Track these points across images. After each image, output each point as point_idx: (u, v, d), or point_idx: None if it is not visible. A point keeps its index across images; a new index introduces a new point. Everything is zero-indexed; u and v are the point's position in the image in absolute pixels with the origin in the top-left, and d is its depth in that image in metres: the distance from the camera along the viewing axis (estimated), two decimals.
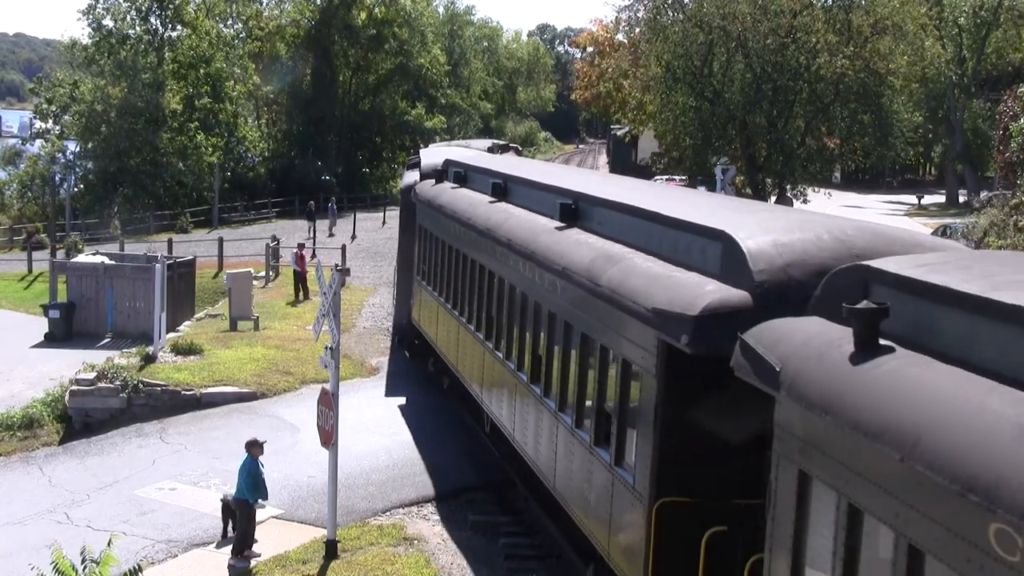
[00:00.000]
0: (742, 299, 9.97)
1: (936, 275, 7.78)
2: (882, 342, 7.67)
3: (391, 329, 30.37)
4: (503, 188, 19.54)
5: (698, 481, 10.46)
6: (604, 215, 14.44)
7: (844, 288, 8.53)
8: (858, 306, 7.77)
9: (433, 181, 25.34)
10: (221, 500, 16.91)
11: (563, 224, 15.32)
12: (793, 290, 9.75)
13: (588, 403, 13.00)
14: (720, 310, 9.93)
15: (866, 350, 7.62)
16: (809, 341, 8.23)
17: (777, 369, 8.19)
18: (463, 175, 23.12)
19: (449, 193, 22.74)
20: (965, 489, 5.94)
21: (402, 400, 24.12)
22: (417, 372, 26.32)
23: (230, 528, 16.58)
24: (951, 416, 6.41)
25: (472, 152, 30.35)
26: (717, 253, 10.83)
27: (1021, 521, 5.38)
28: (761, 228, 10.94)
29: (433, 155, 27.88)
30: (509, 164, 24.00)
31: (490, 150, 32.37)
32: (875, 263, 8.60)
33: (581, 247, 13.90)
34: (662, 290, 10.94)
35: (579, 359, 13.31)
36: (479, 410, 19.53)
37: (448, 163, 25.08)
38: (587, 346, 13.05)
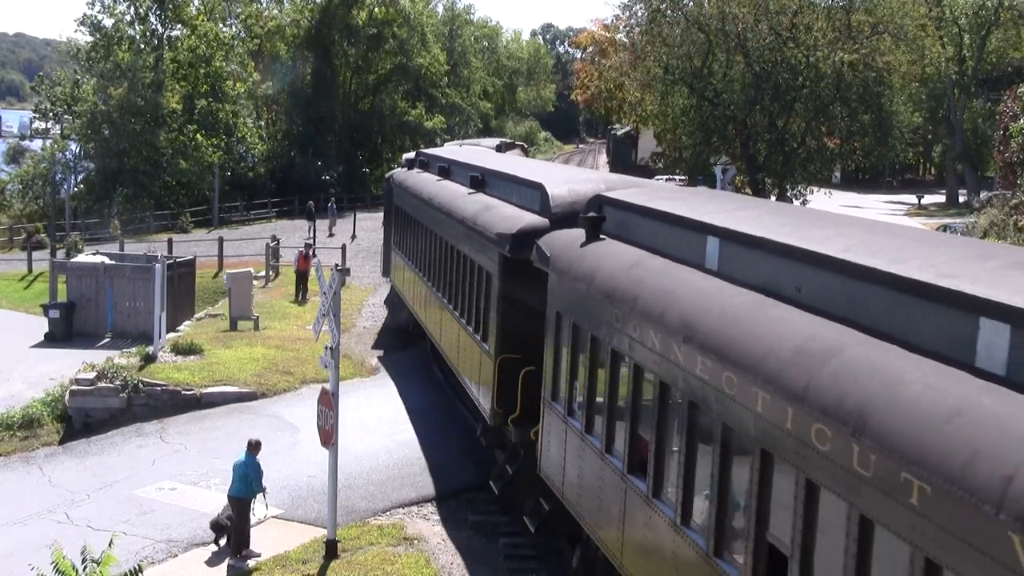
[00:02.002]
0: (543, 223, 16.31)
1: (630, 198, 13.82)
2: (601, 236, 13.89)
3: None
4: (447, 170, 25.35)
5: (521, 343, 16.48)
6: (493, 182, 20.68)
7: (592, 209, 14.54)
8: (587, 215, 14.27)
9: (406, 169, 31.09)
10: (211, 523, 16.64)
11: (472, 190, 21.28)
12: (575, 216, 15.28)
13: (471, 305, 19.16)
14: (528, 230, 16.32)
15: (590, 241, 13.93)
16: (567, 240, 14.60)
17: (548, 255, 14.56)
18: (427, 163, 28.76)
19: (415, 176, 28.24)
20: (604, 297, 12.14)
21: (381, 352, 28.82)
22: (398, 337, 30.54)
23: (222, 541, 16.48)
24: (607, 264, 12.67)
25: (452, 147, 37.49)
26: (537, 197, 17.28)
27: (619, 305, 11.58)
28: (564, 180, 17.62)
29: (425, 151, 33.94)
30: (462, 154, 29.19)
31: (498, 148, 37.31)
32: (604, 192, 14.92)
33: (476, 204, 19.96)
34: (504, 222, 17.34)
35: (468, 277, 19.44)
36: (426, 337, 25.46)
37: (419, 154, 31.12)
38: (472, 267, 19.10)
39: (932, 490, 6.19)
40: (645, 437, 11.14)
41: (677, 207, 12.37)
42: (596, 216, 14.13)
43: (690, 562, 9.65)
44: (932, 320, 7.19)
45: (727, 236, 10.50)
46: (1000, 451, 5.86)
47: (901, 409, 6.66)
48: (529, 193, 17.82)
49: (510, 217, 17.46)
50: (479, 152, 32.18)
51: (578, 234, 14.37)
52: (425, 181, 26.15)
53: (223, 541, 16.43)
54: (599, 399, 12.65)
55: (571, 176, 19.04)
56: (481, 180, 21.20)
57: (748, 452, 8.59)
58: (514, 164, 23.88)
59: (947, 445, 6.15)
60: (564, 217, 15.97)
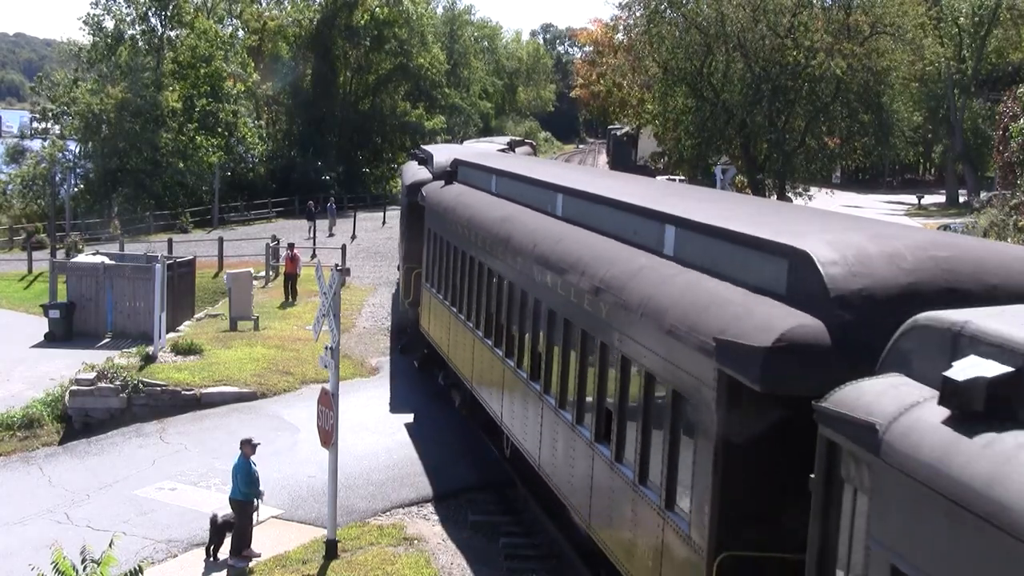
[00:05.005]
0: (428, 178, 26.07)
1: (468, 158, 24.93)
2: (453, 183, 23.68)
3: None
4: (419, 157, 33.55)
5: (418, 257, 25.16)
6: (429, 159, 28.60)
7: (451, 167, 24.31)
8: (447, 171, 24.55)
9: (405, 160, 46.52)
10: (211, 519, 16.42)
11: (421, 167, 29.73)
12: (450, 172, 24.16)
13: (399, 236, 31.78)
14: (419, 183, 26.16)
15: (446, 185, 23.95)
16: (435, 187, 24.42)
17: (425, 196, 24.56)
18: (414, 155, 38.06)
19: (409, 166, 37.32)
20: (444, 213, 22.36)
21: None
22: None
23: (223, 547, 16.31)
24: (448, 196, 22.91)
25: (469, 143, 51.63)
26: (432, 161, 27.23)
27: (450, 216, 21.72)
28: (451, 152, 27.97)
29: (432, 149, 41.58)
30: (441, 148, 36.28)
31: (509, 144, 44.81)
32: (459, 157, 25.48)
33: (414, 170, 29.98)
34: (409, 178, 28.29)
35: (398, 219, 34.61)
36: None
37: (418, 148, 41.50)
38: (399, 212, 32.50)
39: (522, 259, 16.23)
40: (458, 284, 20.50)
41: (483, 162, 23.14)
42: (450, 170, 24.19)
43: (468, 340, 19.69)
44: (539, 195, 17.75)
45: (499, 174, 20.84)
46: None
47: (517, 232, 16.79)
48: (429, 160, 27.84)
49: (414, 176, 27.78)
50: (467, 147, 42.78)
51: (443, 182, 24.15)
52: (413, 167, 34.96)
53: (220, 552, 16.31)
54: (444, 272, 21.92)
55: (457, 150, 30.58)
56: (425, 160, 29.91)
57: (482, 275, 18.69)
58: (445, 149, 32.25)
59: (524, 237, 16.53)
60: (441, 174, 25.01)
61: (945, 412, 6.46)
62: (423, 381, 25.71)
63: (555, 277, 14.31)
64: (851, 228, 10.63)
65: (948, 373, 6.47)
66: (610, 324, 12.20)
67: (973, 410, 6.23)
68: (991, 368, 6.26)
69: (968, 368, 6.38)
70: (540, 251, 15.25)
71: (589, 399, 13.07)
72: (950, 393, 6.40)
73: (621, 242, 13.40)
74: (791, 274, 9.43)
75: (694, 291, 10.57)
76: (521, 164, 23.76)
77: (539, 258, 15.17)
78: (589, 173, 25.68)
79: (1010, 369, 6.16)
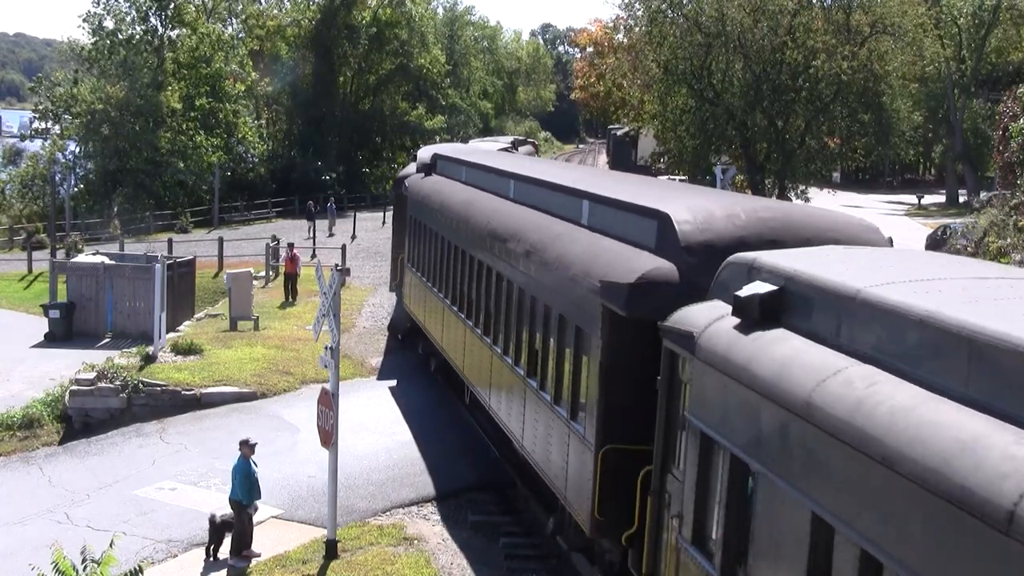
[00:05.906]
0: (413, 171, 28.93)
1: (446, 152, 27.77)
2: (433, 174, 26.69)
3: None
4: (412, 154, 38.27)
5: (403, 246, 27.71)
6: (417, 155, 30.56)
7: (431, 161, 27.35)
8: (427, 164, 27.60)
9: (406, 160, 50.07)
10: (211, 518, 16.37)
11: (412, 159, 32.75)
12: (429, 165, 27.23)
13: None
14: (404, 176, 30.20)
15: (426, 176, 26.91)
16: (417, 178, 27.46)
17: (407, 186, 27.80)
18: (414, 155, 39.74)
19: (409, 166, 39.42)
20: (424, 199, 25.35)
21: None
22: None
23: (223, 547, 16.26)
24: (428, 185, 25.81)
25: (473, 143, 52.75)
26: (416, 160, 29.67)
27: (428, 202, 25.00)
28: (434, 150, 29.40)
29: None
30: (436, 147, 38.26)
31: (512, 144, 47.33)
32: (438, 151, 28.23)
33: (409, 161, 35.22)
34: (401, 172, 33.71)
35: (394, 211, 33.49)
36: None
37: (419, 149, 43.36)
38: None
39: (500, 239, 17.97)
40: (431, 261, 23.26)
41: (456, 155, 25.92)
42: (430, 163, 27.04)
43: (439, 308, 22.44)
44: (497, 182, 20.65)
45: (468, 165, 23.76)
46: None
47: (476, 211, 19.95)
48: (417, 156, 30.20)
49: (403, 171, 31.52)
50: (469, 145, 45.64)
51: (423, 175, 26.83)
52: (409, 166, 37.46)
53: (221, 552, 16.28)
54: (421, 252, 24.57)
55: (438, 148, 31.43)
56: (414, 155, 32.81)
57: (450, 251, 21.30)
58: (439, 147, 33.69)
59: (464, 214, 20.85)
60: (422, 167, 27.67)
61: (736, 320, 9.25)
62: (407, 357, 28.23)
63: (501, 246, 17.36)
64: (707, 197, 14.26)
65: (737, 293, 9.28)
66: (536, 280, 15.27)
67: (751, 318, 9.03)
68: (764, 288, 9.08)
69: (751, 289, 9.19)
70: (492, 226, 18.32)
71: (525, 344, 15.81)
72: (738, 307, 9.24)
73: (553, 216, 16.35)
74: (658, 231, 12.46)
75: (593, 248, 13.72)
76: (487, 157, 26.34)
77: (490, 232, 18.18)
78: (541, 164, 30.04)
79: (775, 287, 9.00)
